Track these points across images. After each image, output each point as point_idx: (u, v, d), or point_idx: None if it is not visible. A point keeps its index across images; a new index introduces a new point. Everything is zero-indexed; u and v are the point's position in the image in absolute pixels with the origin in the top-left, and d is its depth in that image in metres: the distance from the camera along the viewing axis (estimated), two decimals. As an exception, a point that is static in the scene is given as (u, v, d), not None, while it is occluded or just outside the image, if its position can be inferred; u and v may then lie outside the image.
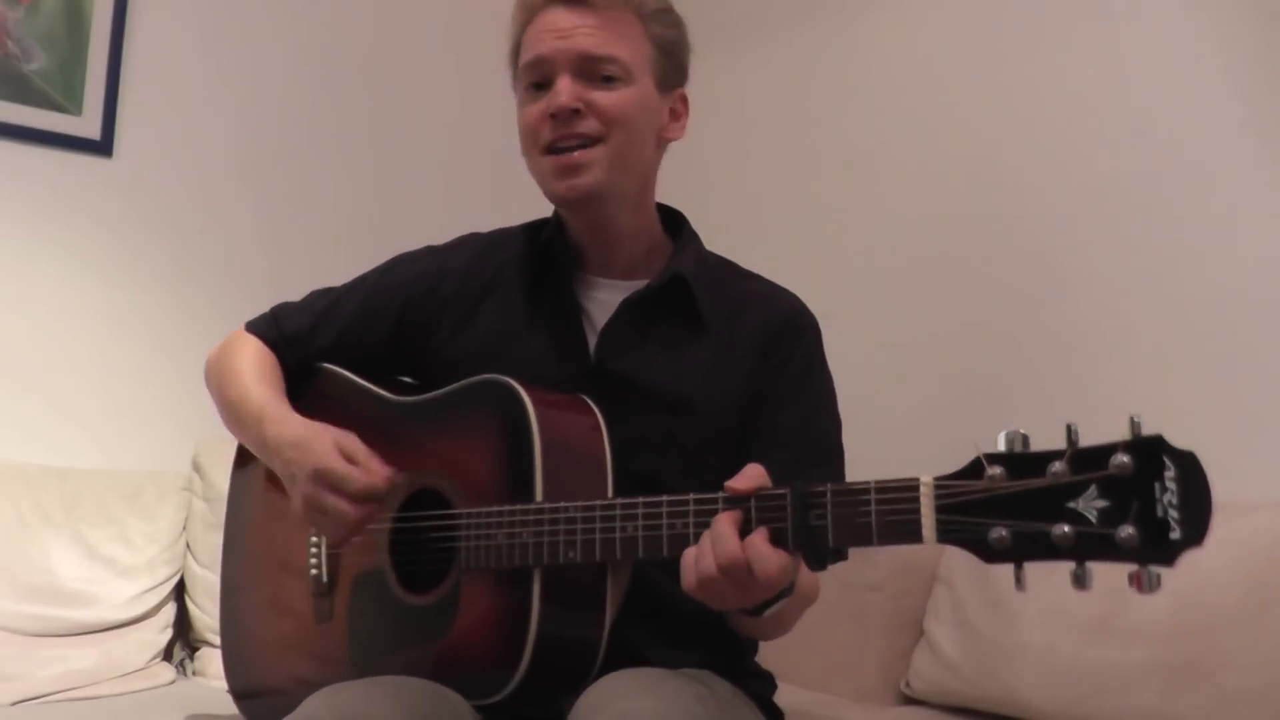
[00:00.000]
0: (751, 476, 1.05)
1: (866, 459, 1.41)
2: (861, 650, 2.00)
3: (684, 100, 1.39)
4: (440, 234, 1.51)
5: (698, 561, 1.03)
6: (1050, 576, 0.94)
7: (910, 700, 1.96)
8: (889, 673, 1.99)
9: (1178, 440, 0.86)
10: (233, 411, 1.40)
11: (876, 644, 2.00)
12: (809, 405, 1.34)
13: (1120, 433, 0.86)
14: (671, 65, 1.36)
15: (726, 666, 1.29)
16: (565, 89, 1.27)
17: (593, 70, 1.28)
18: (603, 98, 1.28)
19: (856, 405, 1.45)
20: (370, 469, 1.22)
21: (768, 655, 1.41)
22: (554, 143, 1.28)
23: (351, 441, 1.24)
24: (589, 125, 1.28)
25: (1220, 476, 0.85)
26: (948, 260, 2.24)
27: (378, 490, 1.22)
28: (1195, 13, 1.91)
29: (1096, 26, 2.04)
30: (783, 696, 1.40)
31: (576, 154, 1.28)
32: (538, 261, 1.38)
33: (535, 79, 1.31)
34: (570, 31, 1.28)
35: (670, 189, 1.44)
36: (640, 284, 1.35)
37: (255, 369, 1.40)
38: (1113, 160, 1.99)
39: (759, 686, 1.36)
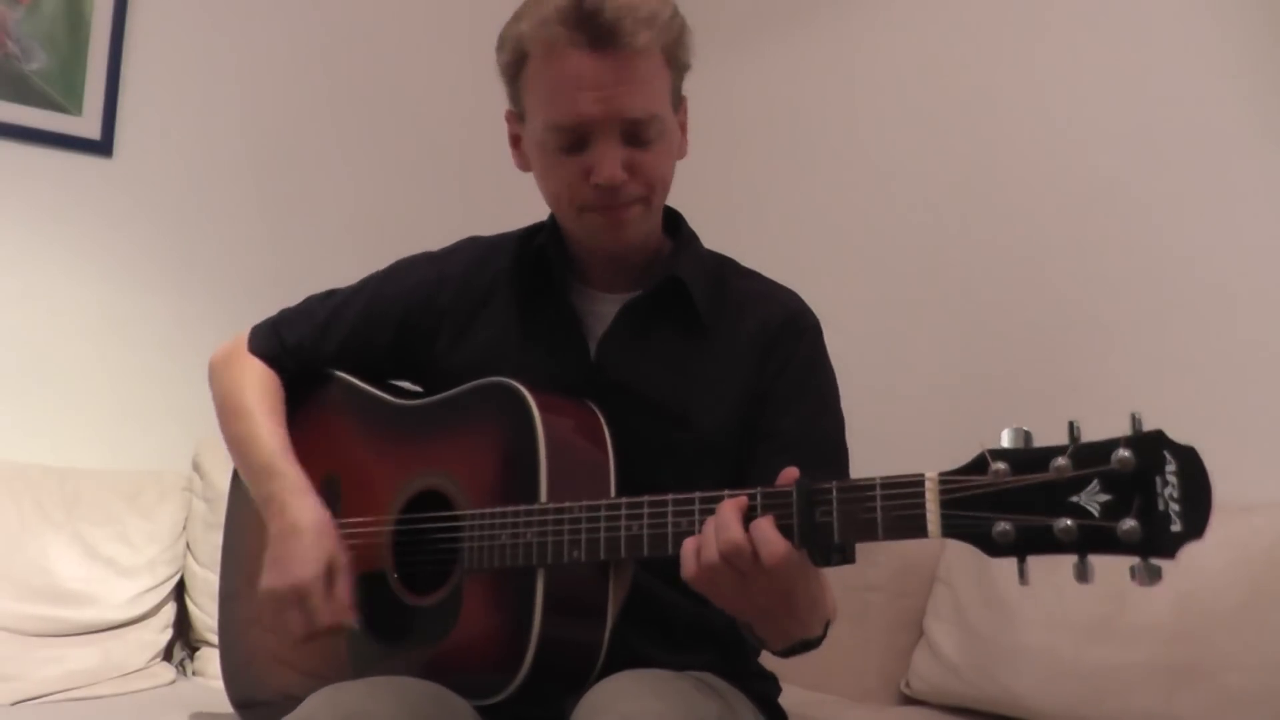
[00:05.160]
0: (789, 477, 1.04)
1: (869, 456, 1.41)
2: (861, 650, 2.00)
3: (684, 106, 1.33)
4: (444, 233, 1.50)
5: (700, 550, 1.03)
6: (1051, 577, 0.94)
7: (910, 700, 1.96)
8: (889, 673, 1.99)
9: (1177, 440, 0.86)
10: (236, 449, 1.40)
11: (876, 644, 2.00)
12: (811, 408, 1.32)
13: (1120, 429, 0.87)
14: (680, 78, 1.29)
15: (729, 668, 1.29)
16: (612, 158, 1.21)
17: (634, 133, 1.22)
18: (645, 160, 1.24)
19: (858, 403, 1.44)
20: (340, 607, 1.24)
21: (767, 654, 1.41)
22: (599, 208, 1.25)
23: (341, 569, 1.25)
24: (633, 188, 1.24)
25: (1219, 477, 0.85)
26: (948, 258, 2.24)
27: (336, 631, 1.24)
28: (1194, 11, 1.91)
29: (1096, 25, 2.05)
30: (783, 697, 1.40)
31: (623, 211, 1.25)
32: (529, 270, 1.35)
33: (571, 141, 1.22)
34: (610, 90, 1.19)
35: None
36: (638, 289, 1.33)
37: (259, 403, 1.39)
38: (1112, 157, 1.99)
39: (763, 688, 1.35)
